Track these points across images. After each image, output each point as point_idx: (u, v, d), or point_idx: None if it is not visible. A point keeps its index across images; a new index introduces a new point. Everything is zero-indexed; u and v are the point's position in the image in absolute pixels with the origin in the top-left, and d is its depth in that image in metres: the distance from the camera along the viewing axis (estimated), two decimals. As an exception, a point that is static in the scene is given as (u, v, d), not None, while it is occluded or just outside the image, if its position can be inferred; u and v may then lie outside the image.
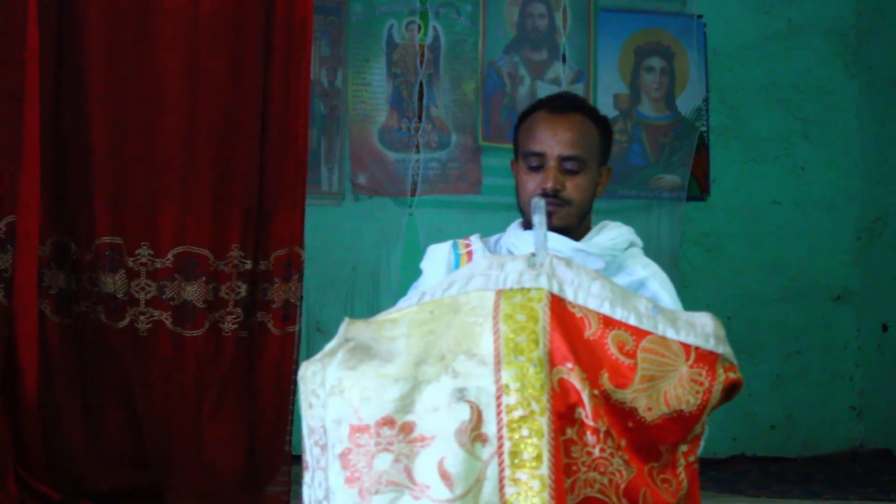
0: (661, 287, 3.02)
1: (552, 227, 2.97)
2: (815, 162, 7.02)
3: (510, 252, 3.04)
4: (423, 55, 6.33)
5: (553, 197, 2.99)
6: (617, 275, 2.98)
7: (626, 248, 3.09)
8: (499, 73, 6.47)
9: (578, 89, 6.45)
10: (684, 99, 6.70)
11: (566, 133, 3.04)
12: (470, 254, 3.05)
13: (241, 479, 4.67)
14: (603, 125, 3.14)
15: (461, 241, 3.12)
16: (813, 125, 7.04)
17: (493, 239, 3.16)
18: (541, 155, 3.03)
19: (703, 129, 6.74)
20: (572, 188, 3.03)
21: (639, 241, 3.14)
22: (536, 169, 3.04)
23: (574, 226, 3.07)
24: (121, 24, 4.59)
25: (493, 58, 6.47)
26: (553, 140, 3.03)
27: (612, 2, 6.65)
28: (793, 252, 6.95)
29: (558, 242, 2.92)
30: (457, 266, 3.02)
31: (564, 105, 3.14)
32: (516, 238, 3.07)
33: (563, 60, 6.50)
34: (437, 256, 3.13)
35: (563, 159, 3.02)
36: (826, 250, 7.01)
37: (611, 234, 3.08)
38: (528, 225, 3.06)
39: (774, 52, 6.99)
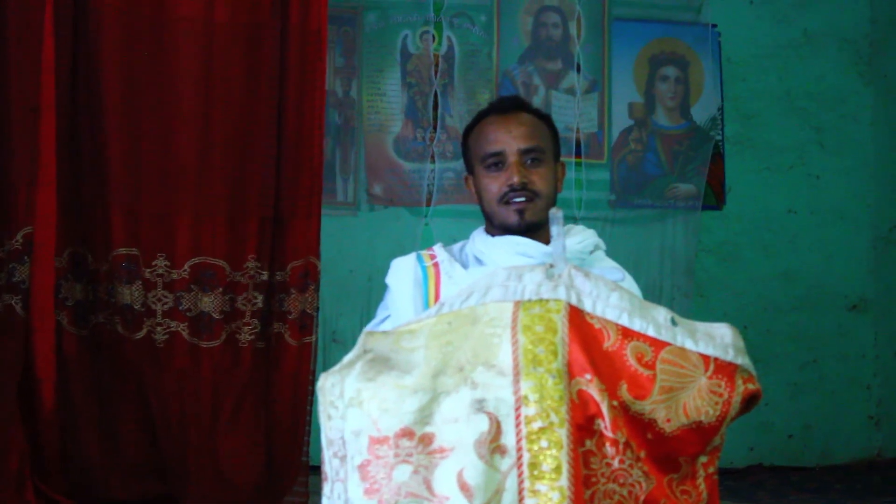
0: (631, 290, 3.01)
1: (526, 223, 2.97)
2: (830, 171, 7.01)
3: (477, 259, 3.03)
4: (437, 65, 6.33)
5: (522, 190, 2.97)
6: None
7: (592, 252, 3.08)
8: (513, 82, 6.47)
9: (593, 99, 6.45)
10: (699, 108, 6.69)
11: (520, 128, 3.03)
12: (437, 265, 3.02)
13: (258, 490, 4.67)
14: (549, 122, 3.14)
15: (425, 253, 3.07)
16: (828, 134, 7.02)
17: (456, 247, 3.13)
18: (499, 154, 3.00)
19: (718, 138, 6.73)
20: (538, 179, 3.00)
21: (602, 244, 3.12)
22: (497, 168, 3.02)
23: (544, 220, 3.04)
24: (136, 36, 4.60)
25: (508, 67, 6.47)
26: (509, 137, 3.01)
27: (627, 11, 6.64)
28: (808, 261, 6.93)
29: (529, 247, 2.91)
30: (424, 278, 3.00)
31: (510, 105, 3.13)
32: (483, 244, 3.04)
33: (578, 70, 6.50)
34: (402, 270, 3.08)
35: (523, 152, 3.00)
36: (842, 259, 6.99)
37: (577, 238, 3.05)
38: (492, 231, 3.06)
39: (789, 61, 6.98)
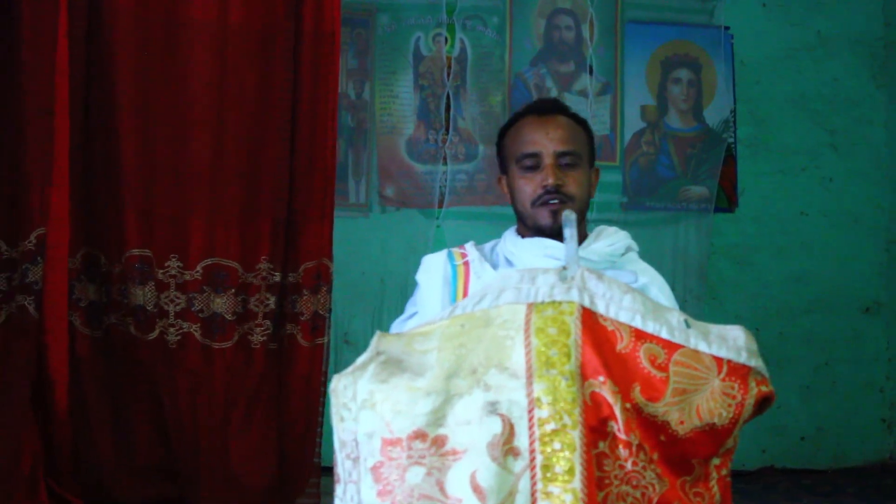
0: (660, 293, 2.99)
1: (560, 226, 2.97)
2: (843, 173, 6.99)
3: (507, 259, 3.03)
4: (450, 67, 6.32)
5: (556, 193, 2.97)
6: None
7: (624, 254, 3.07)
8: (526, 84, 6.47)
9: (605, 101, 6.44)
10: (712, 110, 6.68)
11: (557, 130, 3.02)
12: (467, 265, 3.02)
13: (270, 491, 4.67)
14: (586, 127, 3.13)
15: (456, 251, 3.07)
16: (841, 136, 7.01)
17: (488, 246, 3.13)
18: (536, 155, 3.00)
19: (731, 140, 6.72)
20: (572, 183, 3.00)
21: (635, 246, 3.11)
22: (532, 170, 3.02)
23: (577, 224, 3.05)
24: (149, 38, 4.61)
25: (520, 69, 6.46)
26: (546, 139, 3.01)
27: (640, 14, 6.63)
28: (821, 264, 6.92)
29: (558, 250, 2.91)
30: (454, 277, 3.00)
31: (549, 107, 3.12)
32: (513, 245, 3.04)
33: (591, 72, 6.49)
34: (432, 267, 3.08)
35: (559, 155, 3.00)
36: (854, 262, 6.97)
37: (608, 240, 3.05)
38: (523, 232, 3.05)
39: (802, 64, 6.96)
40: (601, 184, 3.25)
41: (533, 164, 3.00)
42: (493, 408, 2.09)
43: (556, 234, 2.96)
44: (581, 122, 3.12)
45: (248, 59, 4.71)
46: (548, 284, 2.22)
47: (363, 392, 2.17)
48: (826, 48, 6.99)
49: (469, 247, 3.07)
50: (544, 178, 2.98)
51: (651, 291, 2.97)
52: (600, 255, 2.99)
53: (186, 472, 4.61)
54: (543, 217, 2.97)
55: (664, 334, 2.16)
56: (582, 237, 3.08)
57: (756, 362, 2.15)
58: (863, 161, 7.02)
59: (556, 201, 2.95)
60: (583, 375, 2.11)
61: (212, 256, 4.65)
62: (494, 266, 3.01)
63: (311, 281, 4.74)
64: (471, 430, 2.09)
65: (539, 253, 2.93)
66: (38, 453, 4.40)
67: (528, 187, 3.00)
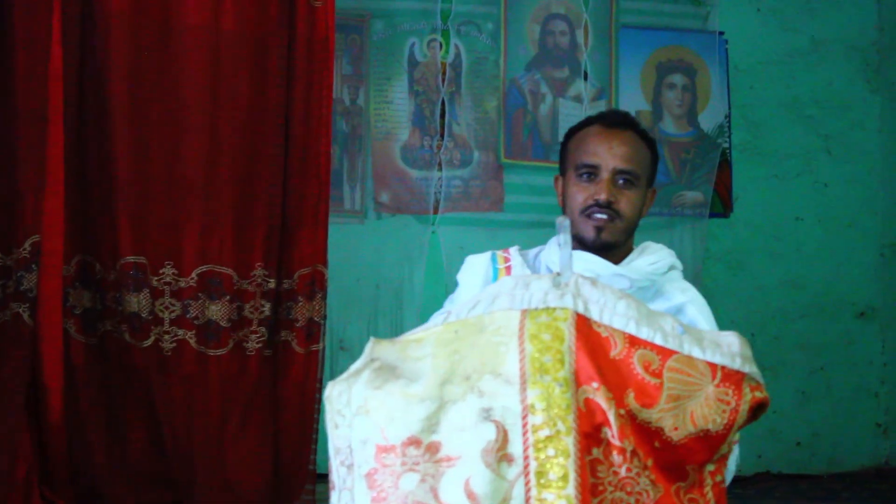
0: (698, 313, 2.98)
1: (601, 242, 2.96)
2: (838, 178, 7.00)
3: (549, 269, 3.02)
4: (444, 73, 6.33)
5: (606, 208, 2.96)
6: (655, 300, 2.94)
7: (666, 272, 3.05)
8: (520, 90, 6.47)
9: (600, 106, 6.44)
10: (706, 115, 6.69)
11: (621, 147, 3.02)
12: (509, 269, 3.01)
13: (265, 498, 4.67)
14: (653, 146, 3.12)
15: (500, 254, 3.07)
16: (835, 141, 7.02)
17: (532, 252, 3.12)
18: (594, 167, 3.00)
19: (726, 145, 6.72)
20: (625, 202, 3.00)
21: (679, 265, 3.10)
22: (589, 181, 3.01)
23: (621, 242, 3.03)
24: (143, 44, 4.61)
25: (515, 75, 6.47)
26: (608, 153, 3.00)
27: (634, 19, 6.64)
28: (816, 269, 6.93)
29: (597, 265, 2.89)
30: (494, 279, 2.99)
31: (619, 121, 3.11)
32: (555, 254, 3.04)
33: (585, 77, 6.49)
34: (475, 268, 3.08)
35: (617, 172, 2.99)
36: (849, 267, 6.98)
37: (651, 258, 3.03)
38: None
39: (796, 69, 6.97)
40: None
41: (590, 173, 3.00)
42: (486, 414, 2.09)
43: (599, 248, 2.95)
44: (648, 142, 3.10)
45: (241, 65, 4.71)
46: (542, 290, 2.21)
47: (358, 399, 2.16)
48: (820, 53, 7.00)
49: (513, 251, 3.07)
50: (598, 191, 2.97)
51: (689, 311, 2.96)
52: (641, 273, 2.97)
53: (181, 478, 4.61)
54: (587, 230, 2.97)
55: (658, 340, 2.15)
56: (627, 251, 3.08)
57: (750, 368, 2.15)
58: (857, 166, 7.03)
59: (604, 216, 2.95)
60: (577, 381, 2.10)
61: (206, 263, 4.65)
62: (536, 272, 3.01)
63: (306, 287, 4.74)
64: (465, 437, 2.08)
65: (579, 266, 2.90)
66: (33, 460, 4.39)
67: (580, 196, 3.00)
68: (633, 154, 3.03)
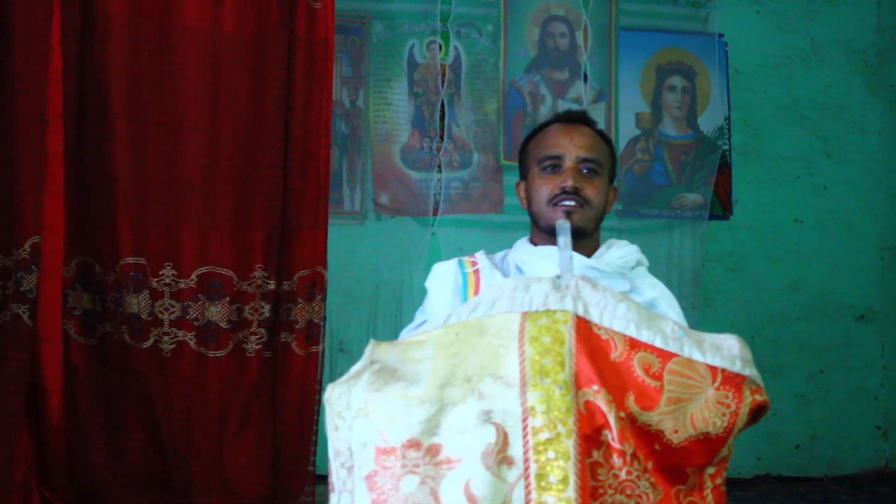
0: (669, 308, 3.00)
1: (574, 226, 2.96)
2: (838, 181, 7.00)
3: (518, 269, 3.03)
4: (444, 75, 6.32)
5: (574, 195, 2.98)
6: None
7: (634, 268, 3.08)
8: (520, 92, 6.47)
9: (600, 108, 6.44)
10: (706, 118, 6.69)
11: (582, 138, 3.07)
12: (477, 272, 3.03)
13: (264, 500, 4.66)
14: (610, 145, 3.18)
15: (467, 259, 3.09)
16: (835, 144, 7.01)
17: (499, 256, 3.14)
18: (558, 157, 3.04)
19: (725, 147, 6.72)
20: (591, 189, 3.03)
21: (645, 261, 3.13)
22: (553, 171, 3.03)
23: (590, 230, 3.06)
24: (143, 46, 4.60)
25: (515, 77, 6.47)
26: (570, 144, 3.05)
27: (634, 21, 6.64)
28: (815, 271, 6.93)
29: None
30: (464, 285, 3.01)
31: (577, 118, 3.18)
32: (524, 254, 3.05)
33: (585, 79, 6.49)
34: (443, 275, 3.10)
35: (581, 161, 3.03)
36: (848, 269, 6.98)
37: (620, 252, 3.06)
38: (536, 240, 3.06)
39: (796, 71, 6.97)
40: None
41: (554, 165, 3.03)
42: (487, 416, 2.09)
43: (572, 236, 2.96)
44: (606, 139, 3.16)
45: (241, 66, 4.70)
46: (542, 293, 2.21)
47: (357, 401, 2.16)
48: (820, 55, 7.00)
49: (479, 255, 3.09)
50: (564, 179, 3.01)
51: (660, 306, 2.98)
52: (612, 266, 3.00)
53: (180, 480, 4.60)
54: (558, 216, 2.98)
55: (658, 343, 2.15)
56: (595, 247, 3.10)
57: (750, 371, 2.15)
58: (856, 168, 7.03)
59: (572, 203, 2.97)
60: (577, 384, 2.10)
61: (206, 265, 4.64)
62: (505, 275, 3.02)
63: (306, 289, 4.74)
64: (465, 439, 2.08)
65: (551, 261, 2.92)
66: (32, 461, 4.39)
67: (546, 188, 3.03)
68: (594, 145, 3.09)
